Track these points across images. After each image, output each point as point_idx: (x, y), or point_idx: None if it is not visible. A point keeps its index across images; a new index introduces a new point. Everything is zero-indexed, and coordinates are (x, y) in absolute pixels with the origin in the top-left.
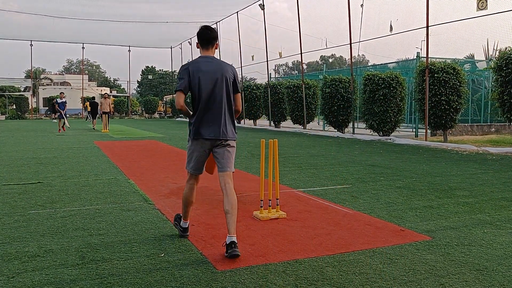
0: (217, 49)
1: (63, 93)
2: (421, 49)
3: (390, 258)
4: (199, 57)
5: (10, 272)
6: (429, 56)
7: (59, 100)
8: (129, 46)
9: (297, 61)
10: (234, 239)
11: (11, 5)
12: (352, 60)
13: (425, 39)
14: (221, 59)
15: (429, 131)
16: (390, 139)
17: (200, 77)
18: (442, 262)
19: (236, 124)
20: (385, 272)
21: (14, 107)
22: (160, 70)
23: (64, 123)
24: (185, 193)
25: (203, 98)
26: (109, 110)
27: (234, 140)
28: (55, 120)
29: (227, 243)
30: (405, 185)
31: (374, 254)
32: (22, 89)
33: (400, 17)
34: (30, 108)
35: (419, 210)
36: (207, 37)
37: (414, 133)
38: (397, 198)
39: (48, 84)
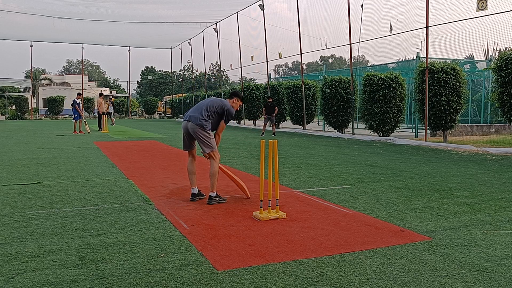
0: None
1: (80, 94)
2: (421, 50)
3: (390, 258)
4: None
5: (10, 272)
6: (429, 56)
7: (77, 101)
8: (129, 46)
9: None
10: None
11: (11, 6)
12: (352, 61)
13: (425, 40)
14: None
15: (429, 131)
16: (390, 139)
17: None
18: (442, 263)
19: (236, 125)
20: (385, 272)
21: (14, 107)
22: (160, 70)
23: (83, 125)
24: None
25: None
26: (105, 110)
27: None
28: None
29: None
30: (405, 185)
31: (374, 255)
32: (22, 90)
33: (400, 18)
34: (30, 108)
35: (419, 210)
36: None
37: (414, 133)
38: (397, 199)
39: (48, 85)
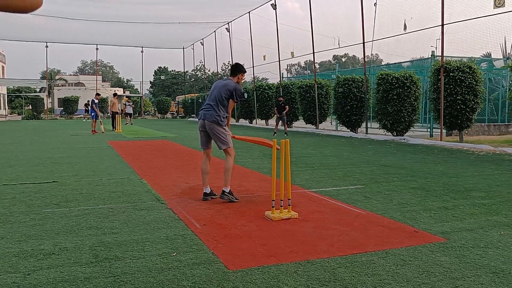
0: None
1: (99, 94)
2: (436, 48)
3: (403, 259)
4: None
5: (26, 269)
6: (444, 54)
7: (95, 101)
8: (142, 47)
9: (309, 60)
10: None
11: None
12: (365, 60)
13: (440, 38)
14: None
15: (444, 131)
16: (404, 139)
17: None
18: (457, 265)
19: (248, 124)
20: (399, 273)
21: (30, 107)
22: (172, 70)
23: (97, 124)
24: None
25: None
26: (118, 110)
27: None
28: (89, 120)
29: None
30: (419, 185)
31: (387, 256)
32: (38, 90)
33: (415, 16)
34: (45, 108)
35: (433, 211)
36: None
37: (429, 133)
38: (411, 199)
39: (63, 85)
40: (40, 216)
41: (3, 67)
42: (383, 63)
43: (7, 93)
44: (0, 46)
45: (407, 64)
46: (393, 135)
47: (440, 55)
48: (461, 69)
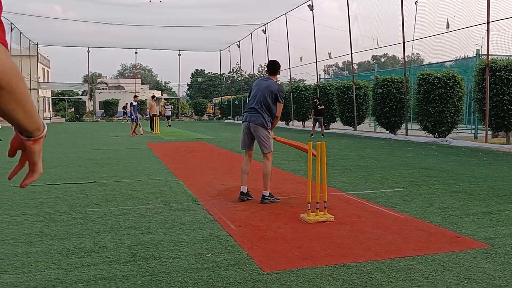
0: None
1: (137, 96)
2: (481, 46)
3: (443, 265)
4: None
5: (68, 266)
6: (490, 53)
7: (134, 103)
8: (179, 50)
9: (347, 61)
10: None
11: (71, 15)
12: (406, 59)
13: (486, 36)
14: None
15: (489, 132)
16: (446, 141)
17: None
18: (501, 272)
19: (285, 126)
20: (438, 280)
21: (73, 110)
22: (209, 72)
23: (138, 127)
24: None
25: None
26: (157, 112)
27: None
28: (128, 122)
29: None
30: (462, 189)
31: (426, 261)
32: (80, 93)
33: (458, 13)
34: (87, 111)
35: (477, 216)
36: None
37: (473, 134)
38: (452, 203)
39: (103, 88)
40: (81, 215)
41: (47, 71)
42: (424, 63)
43: (52, 96)
44: (45, 52)
45: (450, 63)
46: (435, 137)
47: (486, 54)
48: (509, 68)
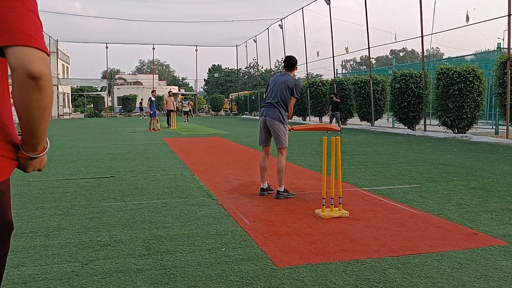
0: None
1: (155, 91)
2: (503, 40)
3: (460, 262)
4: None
5: (84, 259)
6: (511, 47)
7: (152, 98)
8: (196, 45)
9: (365, 56)
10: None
11: (89, 11)
12: (424, 54)
13: (507, 29)
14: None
15: (510, 128)
16: (466, 136)
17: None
18: None
19: (302, 121)
20: (454, 277)
21: (92, 105)
22: (226, 68)
23: (156, 123)
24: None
25: None
26: (174, 108)
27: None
28: (145, 117)
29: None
30: (480, 185)
31: (442, 258)
32: (99, 89)
33: (478, 6)
34: (106, 106)
35: (495, 213)
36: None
37: (494, 130)
38: (470, 200)
39: (122, 84)
40: (98, 209)
41: (67, 67)
42: (444, 57)
43: (71, 92)
44: (64, 48)
45: (470, 57)
46: (454, 133)
47: (507, 47)
48: None
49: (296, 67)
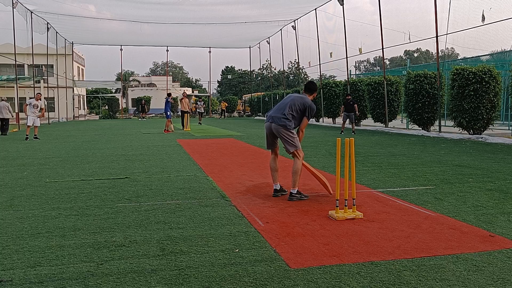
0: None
1: (170, 94)
2: None
3: (476, 265)
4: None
5: (99, 259)
6: None
7: (169, 99)
8: (210, 47)
9: (379, 56)
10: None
11: (104, 14)
12: (439, 54)
13: None
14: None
15: None
16: (481, 138)
17: None
18: None
19: (315, 123)
20: (470, 280)
21: (107, 107)
22: (239, 69)
23: (170, 124)
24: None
25: None
26: (188, 109)
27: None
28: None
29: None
30: (497, 187)
31: (457, 260)
32: (113, 91)
33: (494, 5)
34: (120, 108)
35: None
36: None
37: (511, 131)
38: (487, 202)
39: (136, 86)
40: (113, 210)
41: (82, 70)
42: (459, 57)
43: (86, 94)
44: (79, 50)
45: (486, 57)
46: (469, 134)
47: None
48: None
49: (315, 94)
